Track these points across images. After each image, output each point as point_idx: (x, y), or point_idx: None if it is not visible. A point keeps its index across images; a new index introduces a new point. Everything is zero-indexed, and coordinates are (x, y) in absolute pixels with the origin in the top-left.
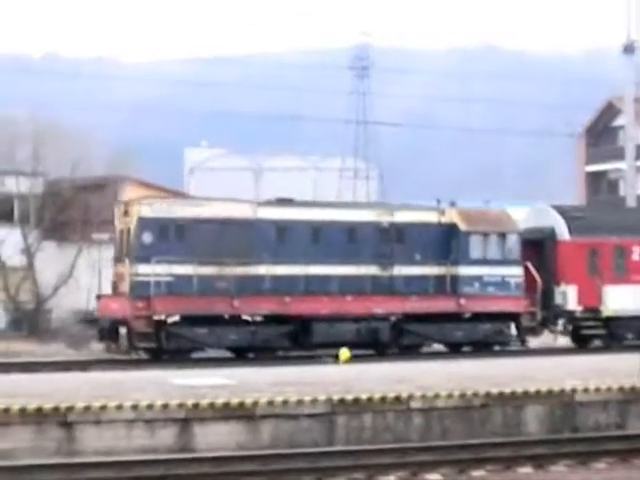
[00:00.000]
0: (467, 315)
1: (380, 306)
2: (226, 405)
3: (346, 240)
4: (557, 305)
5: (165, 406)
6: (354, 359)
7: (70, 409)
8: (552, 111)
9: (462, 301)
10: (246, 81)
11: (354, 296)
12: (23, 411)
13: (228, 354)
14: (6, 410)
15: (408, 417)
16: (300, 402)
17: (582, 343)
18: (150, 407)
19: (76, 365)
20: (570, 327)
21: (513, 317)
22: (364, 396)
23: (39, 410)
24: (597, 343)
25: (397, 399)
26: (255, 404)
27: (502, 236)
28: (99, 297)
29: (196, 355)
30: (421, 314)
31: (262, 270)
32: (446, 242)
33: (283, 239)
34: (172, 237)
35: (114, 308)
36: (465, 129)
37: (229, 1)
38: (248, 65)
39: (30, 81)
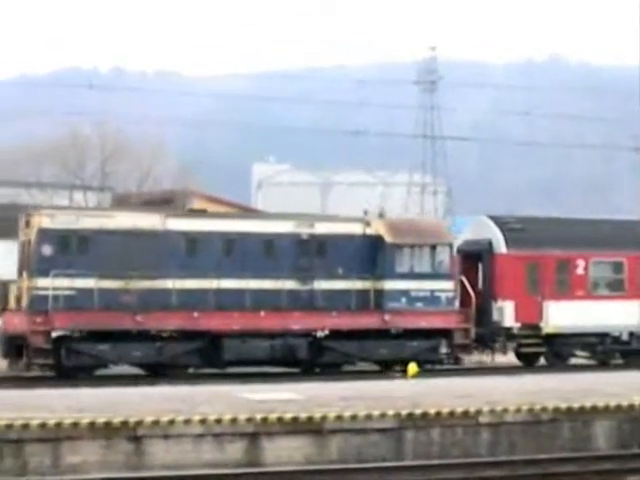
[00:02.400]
0: (394, 331)
1: (298, 322)
2: (295, 419)
3: (262, 253)
4: (494, 322)
5: (234, 420)
6: (422, 374)
7: (139, 423)
8: (617, 124)
9: (387, 317)
10: (311, 95)
11: (269, 311)
12: (92, 425)
13: (295, 370)
14: (75, 424)
15: (476, 432)
16: (368, 417)
17: (526, 361)
18: (219, 421)
19: None
20: (513, 345)
21: (445, 334)
22: (432, 411)
23: (108, 424)
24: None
25: (465, 414)
26: (323, 418)
27: (432, 248)
28: (3, 311)
29: (259, 370)
30: (343, 331)
31: (169, 284)
32: (371, 255)
33: (193, 251)
34: (74, 249)
35: (15, 323)
36: (531, 143)
37: (294, 16)
38: (313, 79)
39: (97, 95)
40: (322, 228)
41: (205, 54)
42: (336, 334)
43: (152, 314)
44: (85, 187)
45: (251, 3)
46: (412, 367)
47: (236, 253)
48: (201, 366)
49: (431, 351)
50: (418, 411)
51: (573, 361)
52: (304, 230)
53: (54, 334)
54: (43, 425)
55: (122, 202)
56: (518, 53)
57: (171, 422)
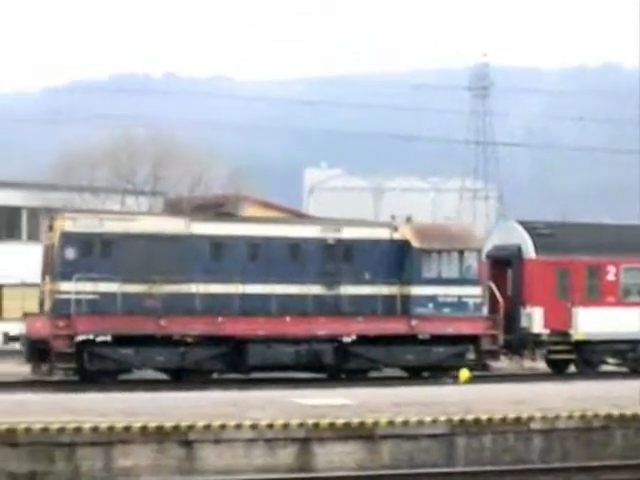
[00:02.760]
0: (421, 337)
1: (323, 327)
2: (346, 425)
3: (288, 257)
4: (522, 328)
5: (285, 425)
6: (474, 379)
7: (191, 428)
8: None
9: (414, 322)
10: (363, 101)
11: (295, 316)
12: (144, 429)
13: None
14: (127, 428)
15: (528, 438)
16: (420, 422)
17: (556, 368)
18: (270, 426)
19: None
20: (542, 351)
21: (472, 340)
22: (484, 417)
23: (160, 428)
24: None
25: (517, 420)
26: (375, 424)
27: (460, 253)
28: (25, 315)
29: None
30: (369, 336)
31: (193, 288)
32: (398, 260)
33: (218, 256)
34: (97, 253)
35: (38, 327)
36: (584, 148)
37: (346, 21)
38: (365, 85)
39: (150, 100)
40: (349, 233)
41: (258, 59)
42: (362, 339)
43: (176, 319)
44: (137, 192)
45: (305, 9)
46: (464, 373)
47: (261, 258)
48: (225, 371)
49: (458, 357)
50: (470, 417)
51: (604, 368)
52: (330, 235)
53: (77, 338)
54: (95, 429)
55: (174, 207)
56: (571, 59)
57: (222, 427)
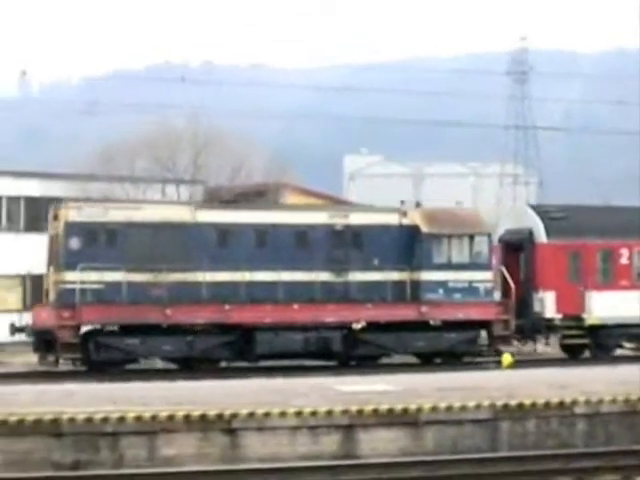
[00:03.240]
0: (433, 323)
1: (332, 314)
2: (390, 411)
3: (295, 244)
4: (535, 313)
5: (329, 412)
6: (517, 364)
7: (234, 416)
8: None
9: (424, 308)
10: (402, 87)
11: (303, 304)
12: (187, 418)
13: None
14: (171, 417)
15: (572, 422)
16: (464, 408)
17: (571, 353)
18: (314, 414)
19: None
20: (556, 336)
21: (484, 325)
22: (527, 401)
23: (203, 417)
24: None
25: (561, 404)
26: (419, 410)
27: (470, 238)
28: (33, 305)
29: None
30: (379, 323)
31: (200, 277)
32: (408, 245)
33: (224, 243)
34: (102, 242)
35: (43, 317)
36: (623, 132)
37: (383, 6)
38: (404, 70)
39: (188, 89)
40: (357, 219)
41: (297, 46)
42: (372, 326)
43: (182, 307)
44: (177, 181)
45: None
46: (507, 358)
47: (268, 245)
48: (233, 360)
49: (470, 343)
50: (513, 402)
51: (619, 352)
52: (338, 221)
53: (82, 329)
54: (139, 418)
55: (214, 195)
56: (609, 42)
57: (266, 415)
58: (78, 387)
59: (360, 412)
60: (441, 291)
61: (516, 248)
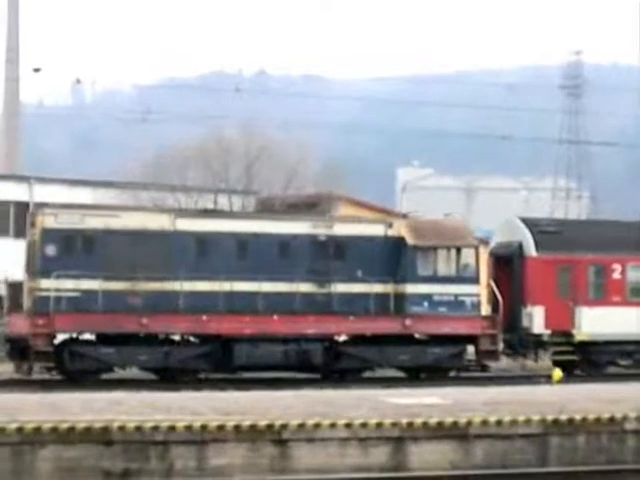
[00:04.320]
0: (417, 337)
1: (313, 326)
2: (440, 424)
3: (276, 254)
4: (523, 328)
5: (379, 424)
6: (567, 379)
7: (284, 427)
8: None
9: (408, 322)
10: (454, 100)
11: (283, 315)
12: (238, 428)
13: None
14: (221, 427)
15: (622, 438)
16: (514, 422)
17: (563, 370)
18: (364, 425)
19: None
20: (545, 352)
21: (471, 340)
22: (578, 416)
23: (253, 427)
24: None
25: (611, 420)
26: (469, 424)
27: (457, 251)
28: (9, 312)
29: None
30: (362, 336)
31: (178, 286)
32: (393, 257)
33: (204, 253)
34: (79, 250)
35: (19, 325)
36: None
37: (436, 19)
38: (456, 83)
39: (242, 99)
40: (341, 229)
41: (351, 57)
42: (355, 339)
43: (159, 317)
44: (230, 191)
45: (398, 8)
46: (557, 372)
47: (249, 255)
48: (211, 371)
49: (455, 358)
50: (564, 417)
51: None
52: (322, 231)
53: (57, 337)
54: (189, 427)
55: (266, 206)
56: None
57: (317, 426)
58: (126, 395)
59: (410, 425)
60: (426, 304)
61: (506, 261)
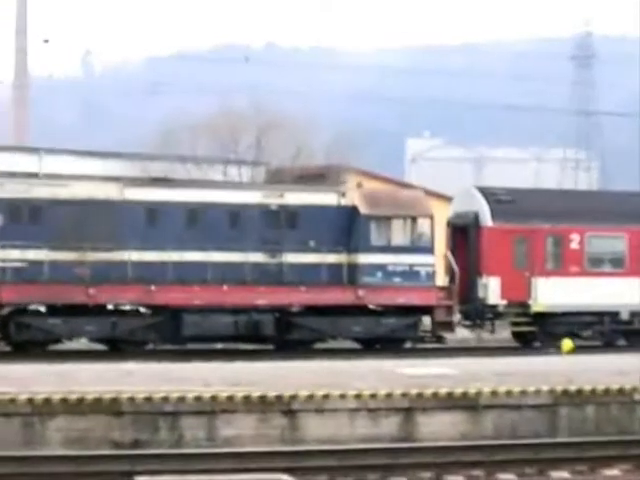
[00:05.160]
0: (371, 308)
1: (264, 297)
2: (449, 395)
3: (227, 224)
4: (479, 299)
5: (389, 395)
6: (577, 350)
7: (293, 397)
8: None
9: (361, 292)
10: (465, 70)
11: (233, 285)
12: (247, 399)
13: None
14: (230, 398)
15: (631, 409)
16: (523, 393)
17: (524, 341)
18: (373, 396)
19: None
20: (503, 323)
21: (426, 311)
22: (587, 387)
23: (263, 398)
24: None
25: (620, 391)
26: (478, 394)
27: (412, 220)
28: None
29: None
30: (314, 306)
31: (125, 256)
32: (346, 227)
33: (153, 222)
34: (24, 219)
35: None
36: None
37: None
38: (467, 54)
39: (251, 71)
40: (293, 199)
41: (360, 29)
42: (307, 310)
43: (106, 287)
44: (239, 162)
45: None
46: (567, 343)
47: (199, 224)
48: (160, 342)
49: (410, 329)
50: (573, 388)
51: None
52: (273, 200)
53: (4, 308)
54: (199, 398)
55: (275, 176)
56: None
57: (326, 397)
58: (136, 366)
59: (420, 395)
60: (380, 274)
61: (463, 232)
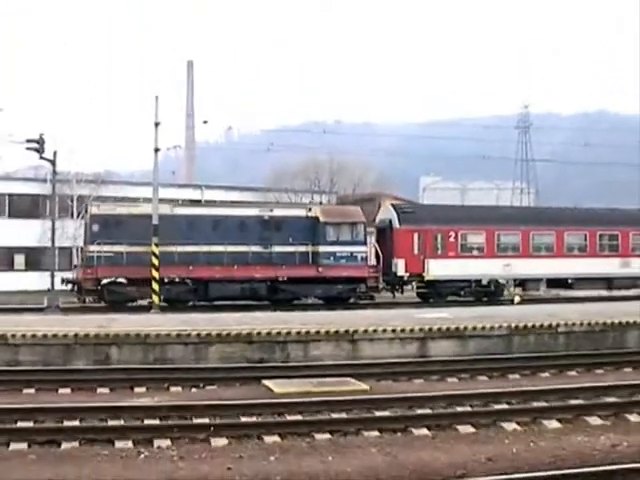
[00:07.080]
0: (327, 278)
1: (259, 272)
2: (448, 329)
3: (237, 228)
4: (393, 272)
5: (411, 330)
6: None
7: (355, 331)
8: None
9: (321, 269)
10: (453, 134)
11: (240, 266)
12: (327, 333)
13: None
14: (317, 332)
15: (556, 337)
16: (492, 327)
17: (425, 300)
18: (403, 330)
19: None
20: (408, 287)
21: (362, 280)
22: (530, 324)
23: (337, 332)
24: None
25: (549, 326)
26: (465, 328)
27: (352, 224)
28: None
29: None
30: (291, 277)
31: (174, 248)
32: (311, 229)
33: (191, 228)
34: (112, 227)
35: (77, 274)
36: (584, 163)
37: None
38: (455, 124)
39: (326, 137)
40: (278, 212)
41: (386, 105)
42: (287, 280)
43: (163, 267)
44: (320, 192)
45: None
46: (517, 297)
47: (219, 228)
48: (196, 300)
49: (352, 291)
50: (521, 324)
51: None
52: (266, 213)
53: (102, 281)
54: (299, 332)
55: (342, 201)
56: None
57: (374, 331)
58: (261, 314)
59: (430, 330)
60: (332, 258)
61: (384, 231)
